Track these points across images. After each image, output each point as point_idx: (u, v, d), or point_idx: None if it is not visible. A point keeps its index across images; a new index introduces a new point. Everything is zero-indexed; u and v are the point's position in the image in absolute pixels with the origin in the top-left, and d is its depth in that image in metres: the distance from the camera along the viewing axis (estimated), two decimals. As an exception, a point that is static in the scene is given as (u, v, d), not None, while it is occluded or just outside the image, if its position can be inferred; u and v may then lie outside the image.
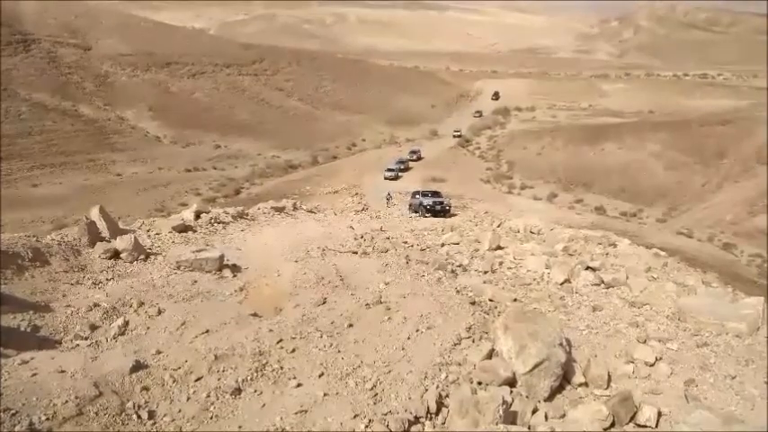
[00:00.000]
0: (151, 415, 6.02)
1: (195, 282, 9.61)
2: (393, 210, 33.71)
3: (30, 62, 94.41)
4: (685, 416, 6.57)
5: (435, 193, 33.07)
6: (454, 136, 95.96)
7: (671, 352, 8.12)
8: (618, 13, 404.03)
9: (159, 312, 8.32)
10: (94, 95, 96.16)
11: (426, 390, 6.71)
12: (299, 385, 6.74)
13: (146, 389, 6.36)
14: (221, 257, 10.41)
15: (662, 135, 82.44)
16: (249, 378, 6.79)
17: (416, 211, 29.43)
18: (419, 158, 76.70)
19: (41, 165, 71.17)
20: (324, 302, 9.03)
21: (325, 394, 6.55)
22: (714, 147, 76.57)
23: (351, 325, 8.25)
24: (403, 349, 7.58)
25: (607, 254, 13.84)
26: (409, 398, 6.56)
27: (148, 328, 7.96)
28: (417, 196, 32.29)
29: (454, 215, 28.79)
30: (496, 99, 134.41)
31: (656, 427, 6.58)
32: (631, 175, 73.52)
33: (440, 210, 29.30)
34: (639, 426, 6.60)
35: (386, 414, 6.22)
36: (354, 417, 6.12)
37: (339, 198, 45.61)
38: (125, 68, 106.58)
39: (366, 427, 5.97)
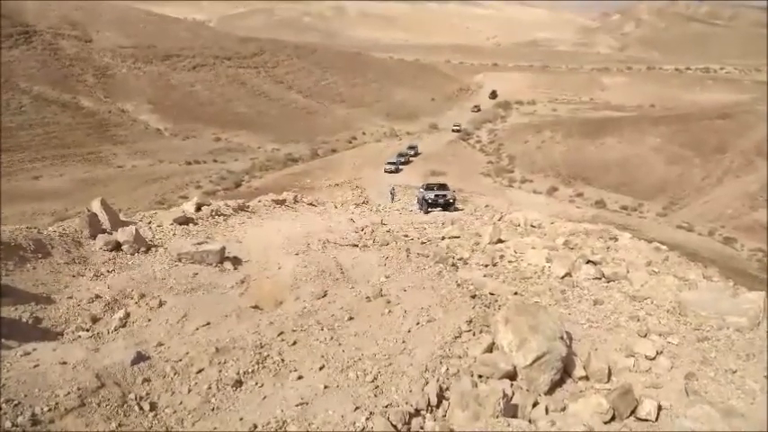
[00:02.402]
0: (153, 406, 6.04)
1: (196, 274, 9.60)
2: (395, 204, 33.55)
3: (30, 54, 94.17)
4: (685, 410, 6.59)
5: (441, 186, 32.38)
6: (453, 130, 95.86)
7: (671, 346, 8.14)
8: (619, 7, 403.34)
9: (160, 304, 8.32)
10: (95, 88, 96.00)
11: (427, 382, 6.72)
12: (299, 378, 6.76)
13: (147, 380, 6.37)
14: (222, 250, 10.39)
15: (662, 129, 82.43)
16: (250, 370, 6.81)
17: (422, 206, 28.73)
18: (416, 154, 76.75)
19: (42, 157, 71.17)
20: (324, 295, 9.03)
21: (325, 387, 6.56)
22: (714, 141, 76.58)
23: (351, 318, 8.26)
24: (403, 342, 7.59)
25: (608, 248, 13.82)
26: (410, 390, 6.57)
27: (149, 320, 7.97)
28: (422, 189, 31.60)
29: (458, 209, 28.45)
30: (494, 98, 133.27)
31: (657, 420, 6.59)
32: (632, 168, 73.56)
33: (443, 203, 28.65)
34: (640, 419, 6.61)
35: (386, 406, 6.23)
36: (355, 409, 6.13)
37: (339, 191, 45.56)
38: (125, 61, 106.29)
39: (367, 419, 5.97)
